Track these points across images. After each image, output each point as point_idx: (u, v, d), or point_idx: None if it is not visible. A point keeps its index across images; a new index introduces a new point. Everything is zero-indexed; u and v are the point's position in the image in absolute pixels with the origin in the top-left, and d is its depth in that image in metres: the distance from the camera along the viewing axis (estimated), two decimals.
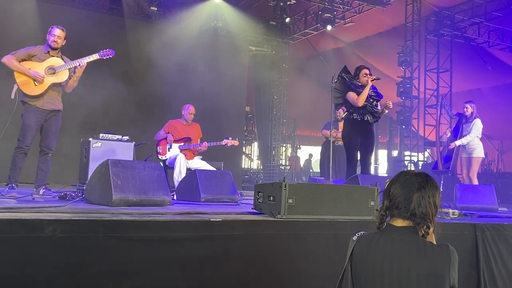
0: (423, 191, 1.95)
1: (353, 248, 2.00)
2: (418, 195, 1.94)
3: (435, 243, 1.98)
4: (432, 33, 12.58)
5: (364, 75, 5.74)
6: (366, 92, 5.64)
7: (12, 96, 4.78)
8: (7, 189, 4.64)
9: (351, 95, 5.72)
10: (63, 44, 5.00)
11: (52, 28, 4.97)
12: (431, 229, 1.96)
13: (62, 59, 4.99)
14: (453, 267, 1.87)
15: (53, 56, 4.93)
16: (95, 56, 5.02)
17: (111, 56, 5.13)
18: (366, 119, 5.72)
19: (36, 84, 4.79)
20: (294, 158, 16.87)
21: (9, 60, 4.76)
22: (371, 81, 5.67)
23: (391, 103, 5.82)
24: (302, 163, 18.65)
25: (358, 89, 5.71)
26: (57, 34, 4.90)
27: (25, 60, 4.82)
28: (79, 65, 4.93)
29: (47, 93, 4.86)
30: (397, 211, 1.96)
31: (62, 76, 4.94)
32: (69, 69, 4.95)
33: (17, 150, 4.77)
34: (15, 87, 4.77)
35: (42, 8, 9.78)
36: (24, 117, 4.80)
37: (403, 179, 2.00)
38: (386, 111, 5.89)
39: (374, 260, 1.92)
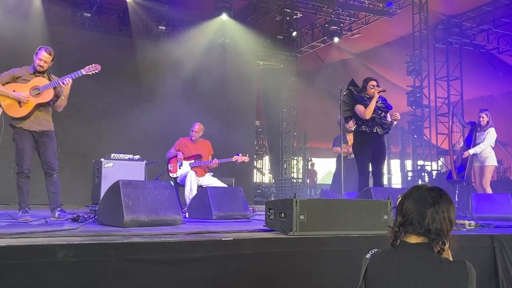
0: (437, 206, 1.90)
1: (366, 266, 1.96)
2: (432, 211, 1.89)
3: (451, 259, 1.93)
4: (440, 42, 12.53)
5: (371, 87, 5.72)
6: (373, 104, 5.62)
7: None
8: (20, 213, 4.63)
9: (359, 108, 5.70)
10: (50, 66, 4.89)
11: (39, 49, 4.85)
12: (447, 245, 1.91)
13: (49, 77, 4.88)
14: (471, 284, 1.82)
15: (38, 76, 4.82)
16: (79, 73, 4.87)
17: (97, 71, 4.96)
18: (375, 131, 5.68)
19: (21, 105, 4.69)
20: (308, 172, 16.87)
21: None
22: (377, 93, 5.65)
23: (398, 115, 5.79)
24: (319, 176, 18.60)
25: (366, 102, 5.69)
26: (43, 59, 4.79)
27: (9, 82, 4.73)
28: (63, 83, 4.78)
29: (33, 114, 4.74)
30: (411, 227, 1.91)
31: (47, 96, 4.81)
32: (54, 88, 4.82)
33: (19, 176, 4.70)
34: (0, 111, 4.69)
35: (53, 30, 9.96)
36: (16, 141, 4.73)
37: (415, 194, 1.95)
38: (395, 122, 5.85)
39: (389, 279, 1.88)
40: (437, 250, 1.89)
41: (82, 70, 4.90)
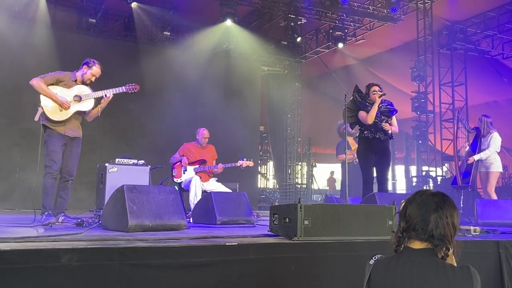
0: (441, 212, 1.89)
1: (370, 272, 1.95)
2: (435, 216, 1.88)
3: (455, 264, 1.92)
4: (445, 47, 12.51)
5: (374, 93, 5.72)
6: (374, 109, 5.61)
7: (36, 119, 4.74)
8: (44, 216, 4.60)
9: (362, 114, 5.71)
10: None
11: (94, 64, 4.94)
12: (451, 251, 1.90)
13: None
14: None
15: (80, 84, 4.93)
16: (121, 89, 5.02)
17: (136, 91, 5.13)
18: (377, 136, 5.67)
19: (61, 110, 4.76)
20: (328, 179, 17.15)
21: (38, 83, 4.71)
22: (378, 97, 5.65)
23: (388, 125, 5.73)
24: (323, 181, 18.69)
25: (367, 108, 5.68)
26: (96, 75, 4.94)
27: (52, 84, 4.79)
28: (106, 96, 4.91)
29: (69, 120, 4.83)
30: (415, 233, 1.90)
31: (87, 105, 4.91)
32: (95, 98, 4.94)
33: (47, 176, 4.70)
34: (40, 110, 4.72)
35: (58, 36, 10.04)
36: (48, 143, 4.75)
37: (419, 200, 1.95)
38: (390, 131, 5.80)
39: (393, 285, 1.87)
40: (441, 255, 1.88)
41: (124, 87, 5.05)
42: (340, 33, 12.03)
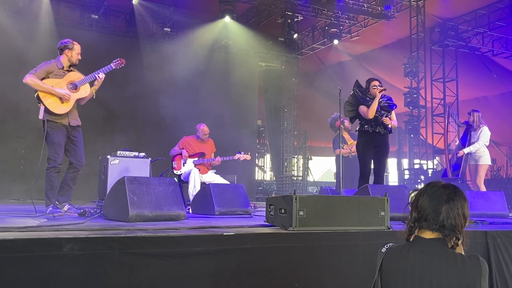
0: (452, 203, 1.89)
1: (382, 260, 1.95)
2: (447, 207, 1.88)
3: (463, 253, 1.92)
4: (437, 44, 12.49)
5: (374, 87, 5.68)
6: (375, 104, 5.57)
7: (41, 117, 4.57)
8: (50, 208, 4.51)
9: (362, 109, 5.66)
10: None
11: (75, 44, 4.79)
12: (461, 241, 1.90)
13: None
14: (484, 279, 1.82)
15: (70, 71, 4.76)
16: (110, 67, 4.89)
17: (123, 65, 5.00)
18: (377, 130, 5.64)
19: (63, 102, 4.62)
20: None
21: (33, 80, 4.51)
22: (378, 92, 5.62)
23: (388, 120, 5.71)
24: (319, 174, 18.65)
25: (368, 102, 5.65)
26: (80, 51, 4.80)
27: (44, 78, 4.58)
28: (98, 77, 4.78)
29: (71, 110, 4.70)
30: (426, 223, 1.91)
31: (85, 91, 4.77)
32: (89, 82, 4.81)
33: (51, 170, 4.57)
34: (42, 108, 4.54)
35: (61, 31, 9.94)
36: (51, 136, 4.57)
37: (431, 191, 1.94)
38: (389, 125, 5.79)
39: (405, 272, 1.87)
40: (450, 245, 1.89)
41: (111, 64, 4.92)
42: (336, 30, 11.99)
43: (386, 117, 5.67)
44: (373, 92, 5.65)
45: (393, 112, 5.81)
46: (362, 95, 5.69)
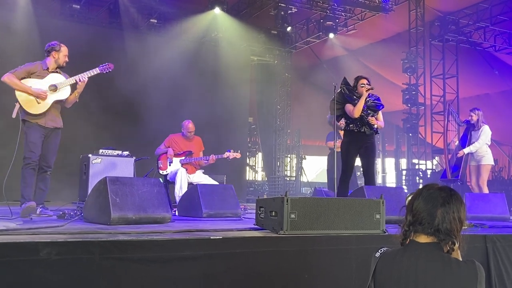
0: (448, 206, 1.91)
1: (376, 265, 1.97)
2: (442, 211, 1.90)
3: (460, 259, 1.94)
4: (436, 39, 12.57)
5: (361, 86, 5.71)
6: (361, 103, 5.61)
7: (14, 115, 4.73)
8: (24, 205, 4.59)
9: (348, 107, 5.70)
10: None
11: (62, 46, 4.95)
12: (456, 245, 1.92)
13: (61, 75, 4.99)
14: (480, 284, 1.84)
15: (53, 72, 4.91)
16: (95, 71, 5.02)
17: (110, 70, 5.13)
18: (363, 130, 5.68)
19: (39, 102, 4.76)
20: None
21: (10, 78, 4.69)
22: (366, 91, 5.66)
23: (374, 120, 5.74)
24: (313, 174, 18.68)
25: (354, 101, 5.69)
26: (67, 54, 4.95)
27: (24, 78, 4.77)
28: (80, 80, 4.90)
29: (49, 111, 4.84)
30: (421, 227, 1.93)
31: (65, 93, 4.92)
32: (70, 85, 4.94)
33: (26, 166, 4.72)
34: (17, 106, 4.71)
35: (42, 23, 9.86)
36: (27, 135, 4.75)
37: (426, 194, 1.96)
38: (375, 126, 5.82)
39: (399, 278, 1.89)
40: (446, 250, 1.90)
41: (97, 68, 5.03)
42: (331, 23, 12.02)
43: (372, 116, 5.71)
44: (361, 91, 5.69)
45: (380, 112, 5.86)
46: (349, 93, 5.73)
